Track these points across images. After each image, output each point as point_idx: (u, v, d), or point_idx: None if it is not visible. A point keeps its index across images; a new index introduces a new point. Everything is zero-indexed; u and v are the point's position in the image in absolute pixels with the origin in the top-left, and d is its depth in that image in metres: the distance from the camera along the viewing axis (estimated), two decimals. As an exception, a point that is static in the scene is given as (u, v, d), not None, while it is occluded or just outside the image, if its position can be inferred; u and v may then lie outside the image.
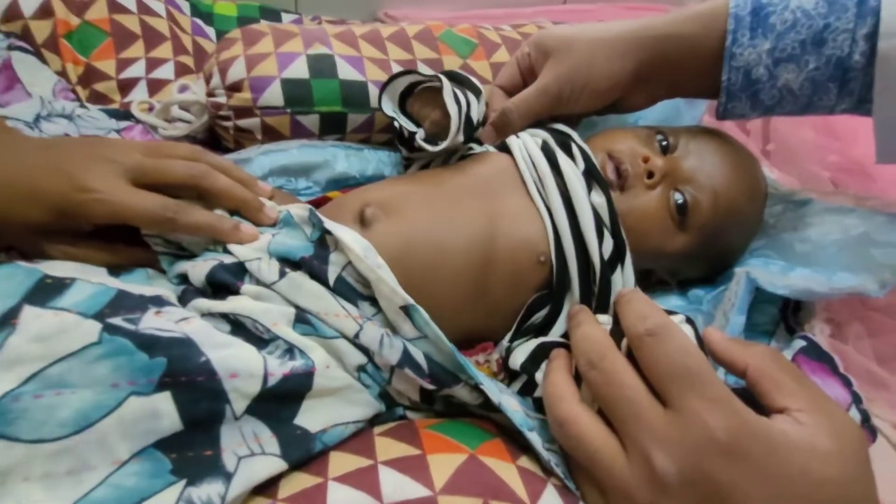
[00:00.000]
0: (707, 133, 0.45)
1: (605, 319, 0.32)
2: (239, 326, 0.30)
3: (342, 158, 0.49)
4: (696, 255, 0.42)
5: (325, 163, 0.49)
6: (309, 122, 0.49)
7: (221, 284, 0.31)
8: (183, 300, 0.31)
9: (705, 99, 0.49)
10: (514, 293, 0.38)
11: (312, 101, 0.49)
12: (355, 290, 0.32)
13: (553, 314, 0.39)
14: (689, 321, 0.30)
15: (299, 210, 0.36)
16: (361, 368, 0.31)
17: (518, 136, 0.44)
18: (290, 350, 0.29)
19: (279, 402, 0.27)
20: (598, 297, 0.39)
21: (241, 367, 0.26)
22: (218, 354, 0.26)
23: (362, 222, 0.38)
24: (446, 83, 0.42)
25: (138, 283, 0.31)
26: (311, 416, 0.28)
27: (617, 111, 0.48)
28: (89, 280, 0.27)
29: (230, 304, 0.30)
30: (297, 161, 0.48)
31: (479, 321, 0.38)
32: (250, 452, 0.26)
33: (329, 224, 0.33)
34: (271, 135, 0.49)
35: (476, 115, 0.43)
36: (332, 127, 0.50)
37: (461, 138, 0.42)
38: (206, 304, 0.30)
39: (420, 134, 0.43)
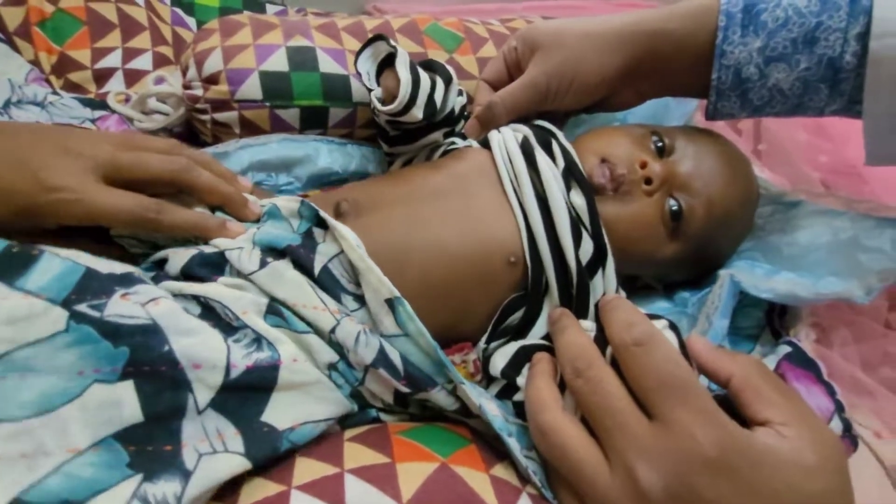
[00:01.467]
0: (702, 134, 0.44)
1: (589, 325, 0.32)
2: (209, 311, 0.29)
3: (324, 153, 0.49)
4: (686, 260, 0.42)
5: (307, 158, 0.48)
6: (289, 116, 0.48)
7: (196, 278, 0.31)
8: (156, 280, 0.30)
9: (694, 98, 0.48)
10: (487, 294, 0.37)
11: (292, 95, 0.48)
12: (339, 283, 0.32)
13: (530, 316, 0.38)
14: (673, 327, 0.30)
15: (287, 202, 0.36)
16: (332, 367, 0.31)
17: (500, 132, 0.43)
18: (258, 341, 0.28)
19: (244, 396, 0.27)
20: (576, 302, 0.38)
21: (204, 357, 0.26)
22: (182, 343, 0.26)
23: (337, 216, 0.38)
24: (402, 52, 0.41)
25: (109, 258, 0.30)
26: (279, 413, 0.28)
27: (605, 109, 0.48)
28: (58, 254, 0.26)
29: (202, 287, 0.30)
30: (278, 156, 0.47)
31: (454, 321, 0.37)
32: (212, 450, 0.25)
33: (323, 214, 0.33)
34: (250, 129, 0.48)
35: (442, 98, 0.42)
36: (313, 121, 0.49)
37: (419, 115, 0.41)
38: (178, 285, 0.30)
39: (376, 92, 0.42)
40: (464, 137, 0.46)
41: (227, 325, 0.29)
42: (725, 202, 0.41)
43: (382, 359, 0.31)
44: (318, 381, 0.29)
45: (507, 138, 0.42)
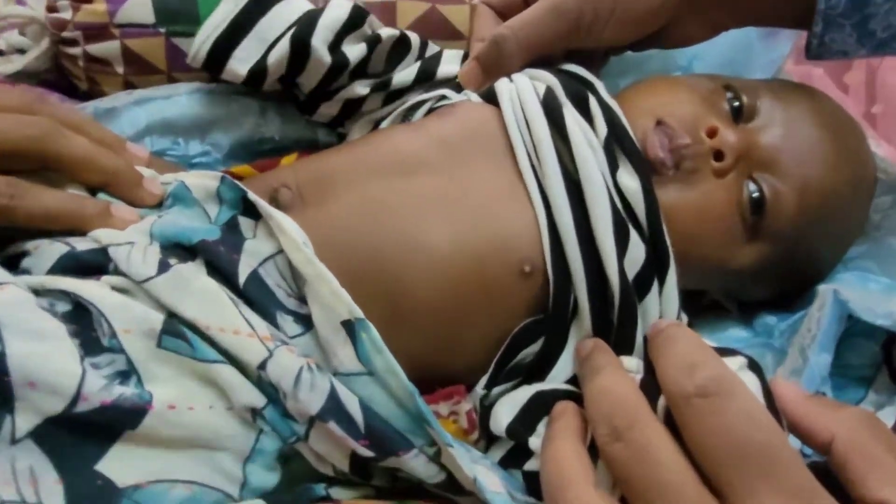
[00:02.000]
0: (797, 92, 0.44)
1: (634, 365, 0.33)
2: (81, 314, 0.30)
3: (254, 112, 0.49)
4: (770, 270, 0.42)
5: (230, 117, 0.48)
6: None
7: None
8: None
9: (790, 28, 0.48)
10: (489, 317, 0.38)
11: (198, 17, 0.47)
12: (274, 297, 0.33)
13: (550, 350, 0.38)
14: (754, 367, 0.30)
15: (201, 178, 0.36)
16: (256, 413, 0.31)
17: (512, 80, 0.43)
18: (128, 373, 0.29)
19: (83, 436, 0.28)
20: (618, 332, 0.38)
21: (45, 377, 0.27)
22: (21, 348, 0.27)
23: (274, 206, 0.37)
24: None
25: None
26: (124, 463, 0.28)
27: (662, 45, 0.48)
28: None
29: (76, 283, 0.30)
30: (188, 114, 0.47)
31: (441, 355, 0.38)
32: (19, 499, 0.26)
33: (253, 196, 0.34)
34: (138, 67, 0.48)
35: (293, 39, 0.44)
36: None
37: (239, 70, 0.44)
38: (41, 278, 0.31)
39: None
40: (459, 89, 0.46)
41: (93, 340, 0.29)
42: (827, 188, 0.41)
43: (334, 407, 0.31)
44: (202, 439, 0.30)
45: (522, 90, 0.42)
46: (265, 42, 0.44)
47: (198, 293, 0.31)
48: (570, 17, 0.43)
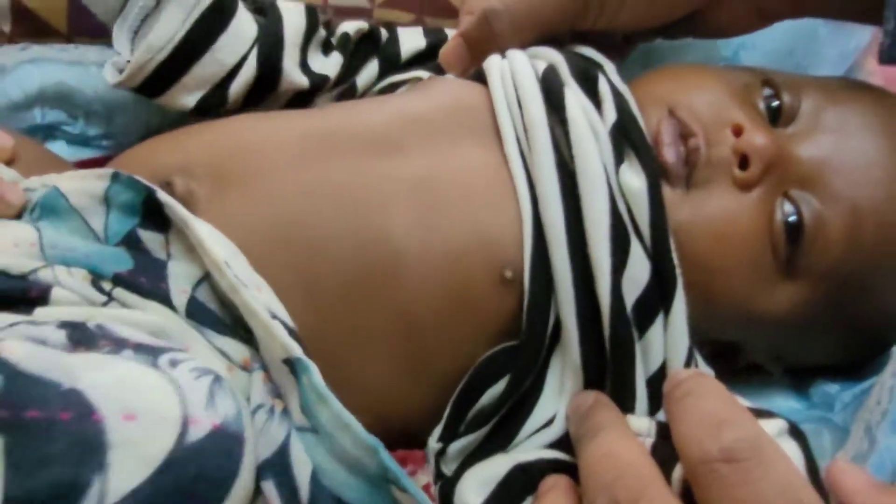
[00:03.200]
0: (860, 93, 0.44)
1: (644, 426, 0.32)
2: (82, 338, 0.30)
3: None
4: (817, 321, 0.41)
5: (147, 100, 0.47)
6: (104, 9, 0.46)
7: None
8: None
9: (861, 23, 0.48)
10: (462, 336, 0.37)
11: None
12: (225, 324, 0.33)
13: (521, 387, 0.37)
14: (796, 433, 0.30)
15: (83, 182, 0.35)
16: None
17: (504, 56, 0.44)
18: (211, 375, 0.29)
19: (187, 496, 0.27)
20: (611, 372, 0.37)
21: (142, 400, 0.26)
22: (93, 378, 0.26)
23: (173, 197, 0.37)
24: None
25: None
26: None
27: (701, 34, 0.48)
28: None
29: (77, 311, 0.31)
30: (95, 87, 0.47)
31: (398, 389, 0.38)
32: None
33: (166, 198, 0.33)
34: (29, 27, 0.48)
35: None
36: None
37: (187, 102, 0.44)
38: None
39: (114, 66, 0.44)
40: (440, 72, 0.47)
41: (147, 348, 0.29)
42: (891, 219, 0.40)
43: (279, 464, 0.30)
44: None
45: (517, 66, 0.42)
46: (224, 66, 0.44)
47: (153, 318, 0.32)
48: None
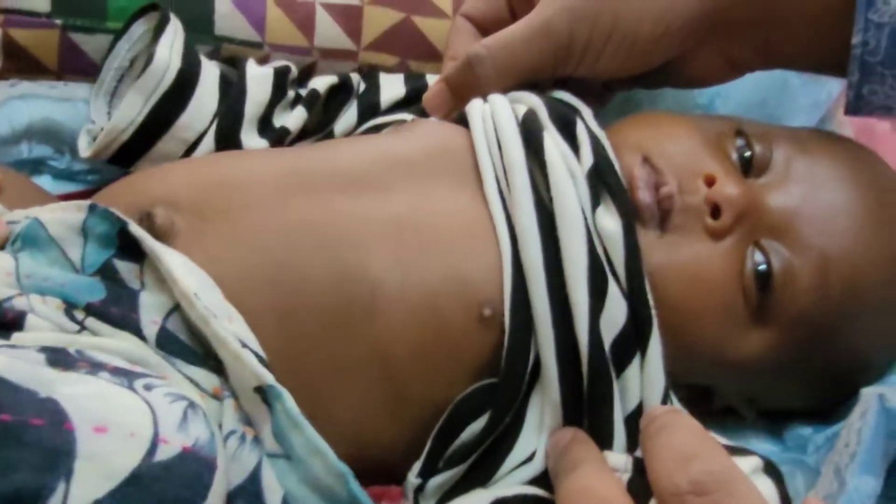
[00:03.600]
0: (830, 144, 0.45)
1: (622, 462, 0.32)
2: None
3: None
4: (789, 368, 0.42)
5: None
6: (95, 48, 0.48)
7: None
8: None
9: (831, 76, 0.49)
10: (439, 373, 0.37)
11: (105, 11, 0.48)
12: (197, 354, 0.33)
13: (499, 424, 0.37)
14: (771, 470, 0.31)
15: (63, 213, 0.35)
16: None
17: (486, 101, 0.44)
18: (185, 412, 0.29)
19: None
20: (589, 410, 0.37)
21: (116, 415, 0.26)
22: (69, 390, 0.26)
23: (151, 231, 0.37)
24: (172, 25, 0.46)
25: None
26: None
27: (677, 83, 0.49)
28: None
29: (54, 337, 0.31)
30: (83, 123, 0.47)
31: (377, 431, 0.37)
32: None
33: (138, 231, 0.34)
34: (21, 64, 0.48)
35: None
36: None
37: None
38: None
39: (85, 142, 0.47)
40: (423, 115, 0.47)
41: (125, 371, 0.30)
42: (858, 267, 0.41)
43: (250, 492, 0.31)
44: None
45: (497, 110, 0.42)
46: (185, 143, 0.46)
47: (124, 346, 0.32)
48: (560, 39, 0.44)
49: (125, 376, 0.29)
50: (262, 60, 0.51)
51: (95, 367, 0.29)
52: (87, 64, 0.48)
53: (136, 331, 0.33)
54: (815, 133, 0.47)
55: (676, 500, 0.27)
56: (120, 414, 0.27)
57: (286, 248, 0.37)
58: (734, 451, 0.30)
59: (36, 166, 0.48)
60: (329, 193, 0.39)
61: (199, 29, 0.50)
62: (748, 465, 0.30)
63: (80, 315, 0.32)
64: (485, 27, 0.48)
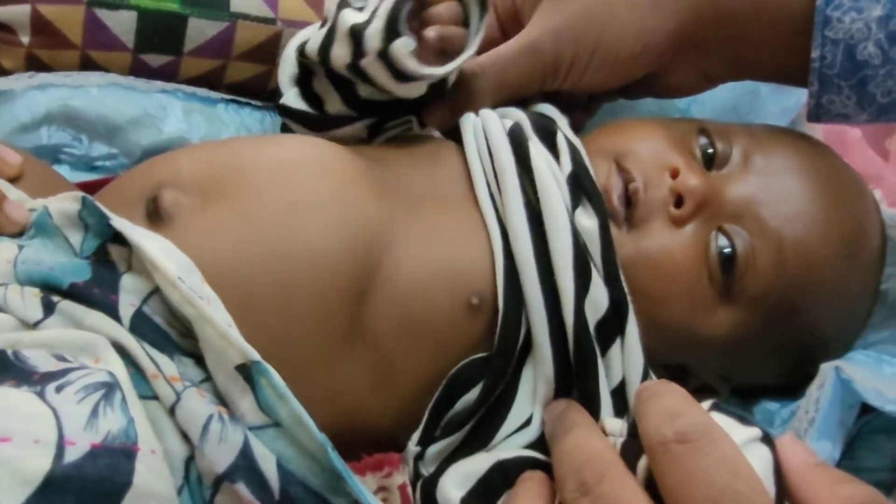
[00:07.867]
0: (786, 139, 0.46)
1: (617, 427, 0.33)
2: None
3: (177, 114, 0.50)
4: (755, 344, 0.43)
5: (147, 119, 0.50)
6: (119, 23, 0.48)
7: None
8: None
9: (796, 86, 0.51)
10: (430, 354, 0.39)
11: None
12: (169, 338, 0.33)
13: (494, 392, 0.39)
14: (768, 439, 0.31)
15: (63, 203, 0.36)
16: (188, 463, 0.31)
17: (478, 115, 0.46)
18: (95, 407, 0.29)
19: None
20: (578, 384, 0.39)
21: (18, 424, 0.26)
22: None
23: (154, 217, 0.38)
24: None
25: None
26: None
27: (656, 94, 0.51)
28: None
29: None
30: (97, 109, 0.48)
31: (369, 397, 0.38)
32: None
33: (118, 222, 0.34)
34: (48, 39, 0.48)
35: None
36: (160, 40, 0.50)
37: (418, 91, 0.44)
38: None
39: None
40: (423, 126, 0.49)
41: (45, 375, 0.29)
42: (811, 249, 0.43)
43: (245, 466, 0.31)
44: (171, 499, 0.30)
45: (488, 123, 0.44)
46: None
47: (94, 329, 0.32)
48: (547, 58, 0.46)
49: (41, 382, 0.29)
50: (275, 36, 0.52)
51: (19, 374, 0.29)
52: (111, 39, 0.48)
53: (113, 312, 0.33)
54: (770, 129, 0.49)
55: (662, 448, 0.28)
56: (22, 423, 0.27)
57: (288, 225, 0.38)
58: (740, 419, 0.30)
59: (55, 154, 0.49)
60: (316, 179, 0.40)
61: (216, 5, 0.51)
62: (749, 433, 0.30)
63: (56, 299, 0.33)
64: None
